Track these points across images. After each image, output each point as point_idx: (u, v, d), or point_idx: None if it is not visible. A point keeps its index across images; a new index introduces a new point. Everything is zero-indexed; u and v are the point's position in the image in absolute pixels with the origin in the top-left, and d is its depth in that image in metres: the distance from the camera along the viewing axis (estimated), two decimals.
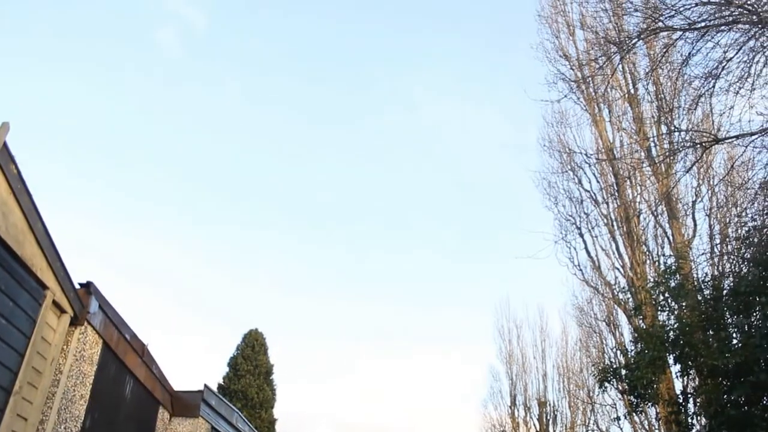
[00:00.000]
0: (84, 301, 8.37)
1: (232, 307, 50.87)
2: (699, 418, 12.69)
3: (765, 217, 11.53)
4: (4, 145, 6.17)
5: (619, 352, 19.65)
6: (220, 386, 27.98)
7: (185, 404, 12.67)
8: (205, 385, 12.99)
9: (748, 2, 7.80)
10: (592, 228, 18.54)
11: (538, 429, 31.91)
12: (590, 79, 17.51)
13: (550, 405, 32.00)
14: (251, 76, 46.86)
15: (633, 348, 14.33)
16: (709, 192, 16.02)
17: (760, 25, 7.79)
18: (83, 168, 43.04)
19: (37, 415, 7.30)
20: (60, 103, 40.22)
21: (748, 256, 11.87)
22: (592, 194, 18.73)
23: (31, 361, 7.05)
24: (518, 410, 32.89)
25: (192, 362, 44.85)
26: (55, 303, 7.60)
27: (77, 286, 8.27)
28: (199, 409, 12.71)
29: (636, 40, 9.88)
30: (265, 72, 46.99)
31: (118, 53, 40.99)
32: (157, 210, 47.92)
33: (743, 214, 13.38)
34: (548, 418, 31.74)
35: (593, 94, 18.79)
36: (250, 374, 28.33)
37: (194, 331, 50.56)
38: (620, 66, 16.32)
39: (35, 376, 7.22)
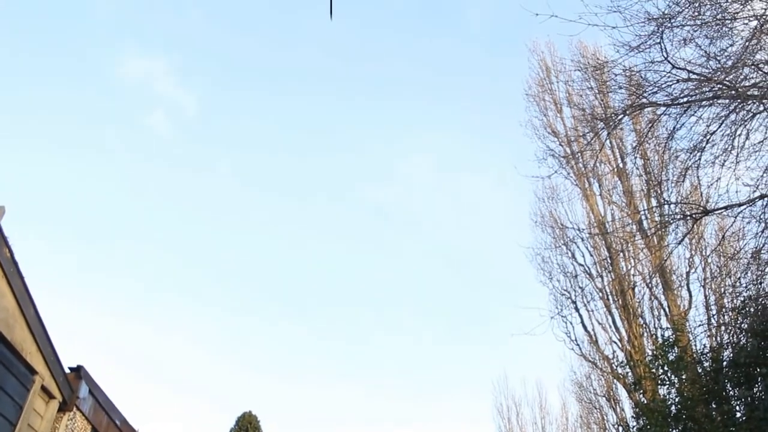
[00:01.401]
0: (74, 385, 8.20)
1: (226, 391, 49.85)
2: None
3: (759, 286, 11.54)
4: None
5: (620, 428, 19.21)
6: None
7: None
8: None
9: (727, 78, 8.05)
10: (588, 302, 18.47)
11: None
12: (579, 154, 17.83)
13: None
14: (241, 156, 47.65)
15: (635, 424, 14.03)
16: (703, 263, 16.07)
17: (739, 100, 8.02)
18: (73, 251, 43.07)
19: None
20: (52, 186, 40.63)
21: (746, 326, 11.81)
22: (586, 268, 18.74)
23: None
24: None
25: None
26: (43, 388, 7.45)
27: (67, 371, 8.13)
28: None
29: (622, 115, 10.13)
30: (255, 150, 47.83)
31: (109, 136, 41.75)
32: (151, 295, 47.69)
33: (737, 284, 13.39)
34: None
35: (583, 168, 19.09)
36: None
37: (186, 415, 49.31)
38: (608, 141, 16.69)
39: None
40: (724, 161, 8.93)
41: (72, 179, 41.93)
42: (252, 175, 48.49)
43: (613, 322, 17.80)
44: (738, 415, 11.21)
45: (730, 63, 8.20)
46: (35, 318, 7.13)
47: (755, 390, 10.87)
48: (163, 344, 48.13)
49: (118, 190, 43.50)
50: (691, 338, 14.47)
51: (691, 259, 16.20)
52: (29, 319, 6.97)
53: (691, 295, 15.98)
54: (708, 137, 8.80)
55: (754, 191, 8.84)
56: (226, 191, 47.60)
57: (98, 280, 44.26)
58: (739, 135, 8.61)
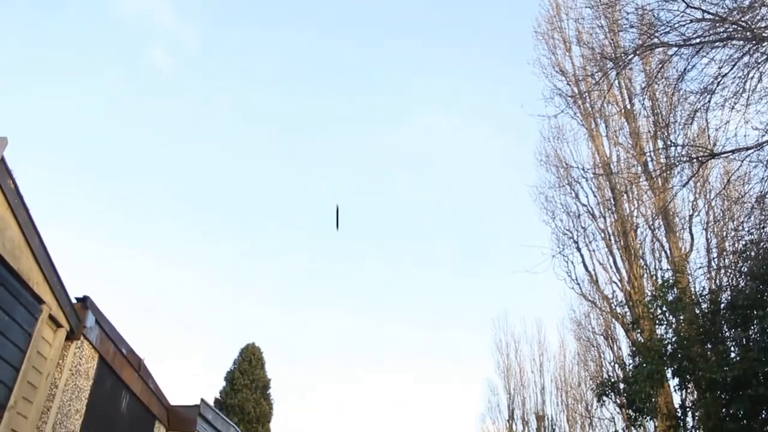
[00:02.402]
0: (80, 315, 8.34)
1: (228, 323, 50.74)
2: (698, 431, 12.67)
3: (761, 231, 11.57)
4: (2, 159, 6.18)
5: (617, 365, 19.64)
6: (216, 401, 27.87)
7: (181, 419, 12.59)
8: (202, 400, 12.92)
9: (742, 19, 7.87)
10: (590, 242, 18.58)
11: None
12: (587, 94, 17.60)
13: (548, 419, 31.94)
14: (242, 92, 47.05)
15: (631, 362, 14.33)
16: (706, 206, 16.07)
17: (754, 42, 7.86)
18: (76, 183, 43.13)
19: (32, 430, 7.26)
20: (54, 120, 40.29)
21: (746, 269, 11.90)
22: (590, 208, 18.78)
23: (27, 376, 7.02)
24: (516, 424, 32.82)
25: (188, 377, 44.66)
26: (51, 317, 7.58)
27: (74, 301, 8.25)
28: (195, 423, 12.63)
29: (632, 56, 9.95)
30: (257, 86, 47.20)
31: (109, 69, 41.18)
32: (151, 227, 47.94)
33: (740, 228, 13.41)
34: (546, 431, 31.68)
35: (590, 109, 18.90)
36: (247, 388, 28.23)
37: (190, 346, 50.38)
38: (616, 81, 16.44)
39: (30, 391, 7.19)
40: (734, 104, 8.82)
41: (72, 111, 41.61)
42: (255, 113, 48.02)
43: (614, 262, 17.96)
44: (732, 355, 11.41)
45: (746, 2, 8.00)
46: (41, 248, 7.19)
47: (751, 332, 11.04)
48: (167, 278, 48.77)
49: (119, 122, 43.21)
50: (691, 280, 14.61)
51: (694, 203, 16.21)
52: (35, 250, 7.04)
53: (692, 238, 16.06)
54: (719, 79, 8.66)
55: (763, 135, 8.76)
56: (228, 128, 47.27)
57: (102, 212, 44.52)
58: (752, 78, 8.47)
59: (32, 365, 7.18)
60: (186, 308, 50.73)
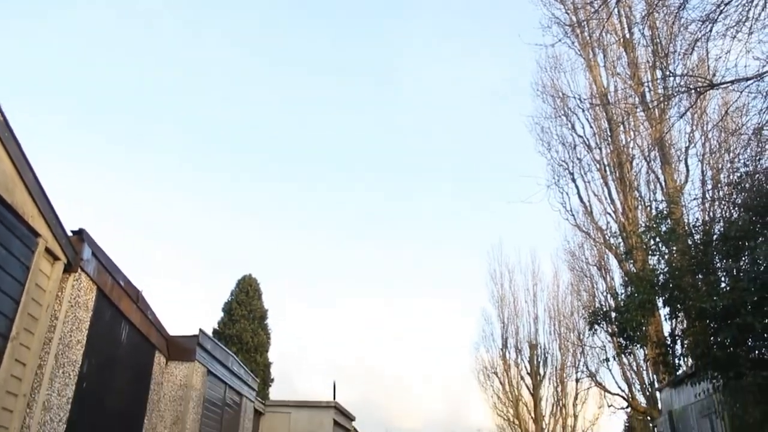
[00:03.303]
0: (77, 248, 8.36)
1: (225, 254, 51.15)
2: (686, 359, 12.96)
3: (757, 162, 11.54)
4: None
5: (609, 295, 19.96)
6: (215, 331, 28.27)
7: (181, 349, 12.82)
8: (201, 330, 13.12)
9: None
10: (585, 173, 18.63)
11: (528, 371, 32.63)
12: (585, 23, 17.26)
13: (540, 347, 32.66)
14: (240, 26, 46.03)
15: (623, 291, 14.50)
16: (703, 138, 16.02)
17: None
18: (75, 117, 42.58)
19: (35, 360, 7.39)
20: (50, 56, 39.44)
21: (740, 201, 11.92)
22: (585, 139, 18.74)
23: (27, 308, 7.09)
24: (509, 352, 33.58)
25: (187, 309, 45.32)
26: (47, 250, 7.60)
27: (69, 234, 8.25)
28: (194, 353, 12.86)
29: None
30: (253, 21, 46.13)
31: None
32: (148, 158, 47.72)
33: (736, 159, 13.39)
34: (539, 360, 32.40)
35: (588, 38, 18.58)
36: (244, 319, 28.59)
37: (188, 277, 50.94)
38: (616, 9, 16.09)
39: (31, 323, 7.28)
40: (736, 33, 8.63)
41: (65, 46, 40.67)
42: (252, 45, 47.14)
43: (609, 193, 18.05)
44: (722, 285, 11.55)
45: None
46: (34, 182, 7.14)
47: (741, 263, 11.14)
48: (162, 209, 48.89)
49: (113, 57, 42.35)
50: (685, 212, 14.67)
51: (691, 134, 16.16)
52: (28, 183, 6.99)
53: (688, 170, 16.09)
54: (722, 7, 8.45)
55: (764, 65, 8.63)
56: (225, 60, 46.49)
57: (99, 145, 44.21)
58: (756, 5, 8.27)
59: (32, 297, 7.24)
60: (183, 239, 51.09)
